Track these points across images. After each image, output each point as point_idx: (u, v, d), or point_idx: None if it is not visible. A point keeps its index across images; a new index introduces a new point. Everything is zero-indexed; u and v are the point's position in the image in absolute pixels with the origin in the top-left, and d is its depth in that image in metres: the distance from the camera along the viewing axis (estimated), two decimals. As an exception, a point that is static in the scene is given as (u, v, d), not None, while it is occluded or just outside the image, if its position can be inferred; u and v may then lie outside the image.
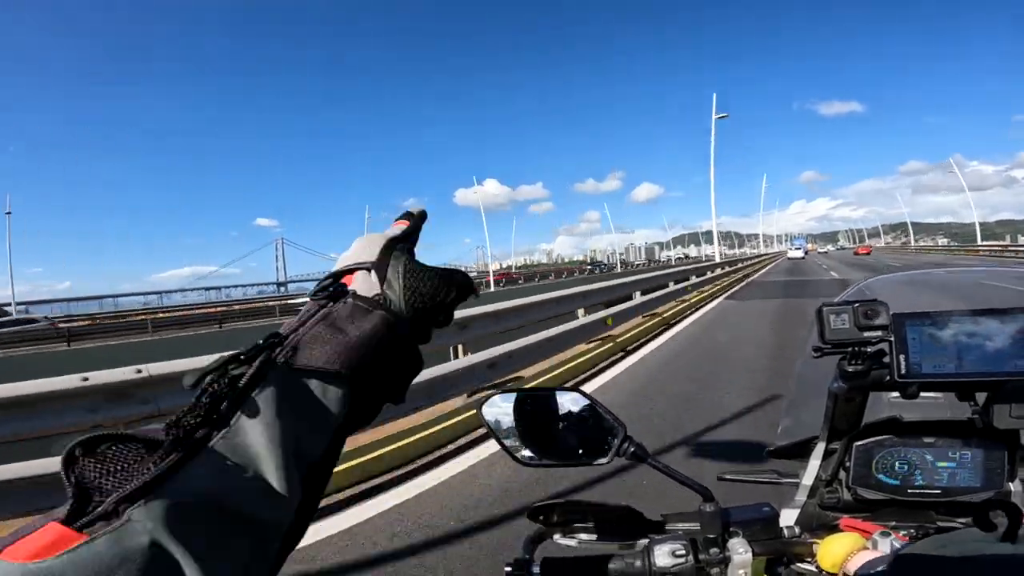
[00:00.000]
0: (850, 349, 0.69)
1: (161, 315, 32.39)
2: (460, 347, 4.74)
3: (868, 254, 61.96)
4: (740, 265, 27.53)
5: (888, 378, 0.68)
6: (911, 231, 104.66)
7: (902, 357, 0.66)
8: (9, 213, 51.86)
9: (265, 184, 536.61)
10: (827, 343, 0.69)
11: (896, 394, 0.71)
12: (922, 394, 0.69)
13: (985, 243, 69.07)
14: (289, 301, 36.27)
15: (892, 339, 0.67)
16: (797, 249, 63.90)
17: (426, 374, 3.96)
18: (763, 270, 29.94)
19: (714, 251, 39.22)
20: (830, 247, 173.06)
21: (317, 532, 2.62)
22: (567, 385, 0.44)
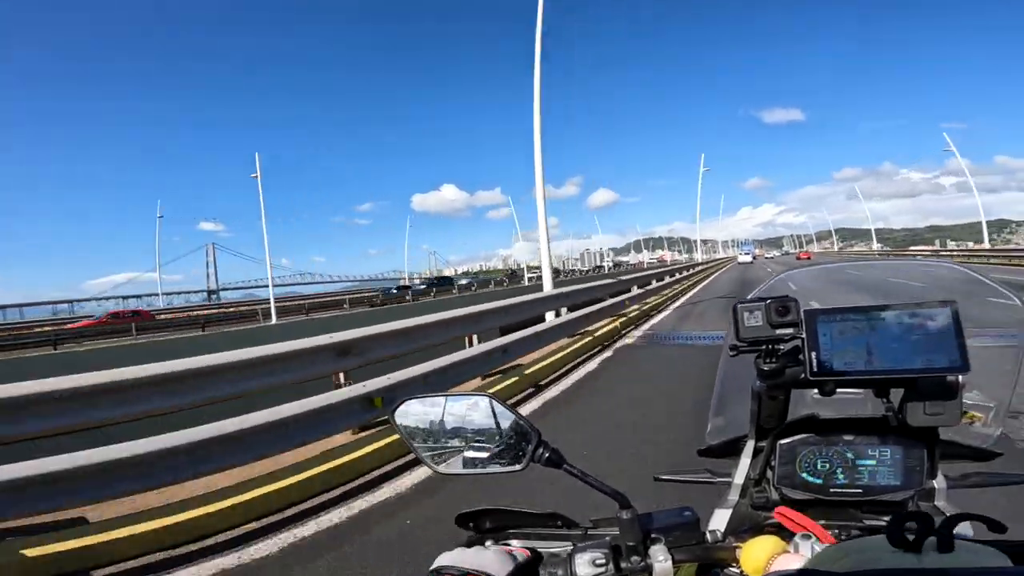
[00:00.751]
0: (764, 347, 0.69)
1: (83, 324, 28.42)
2: (475, 337, 5.51)
3: (809, 259, 65.66)
4: (637, 292, 12.73)
5: (803, 375, 0.67)
6: (874, 237, 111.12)
7: (813, 354, 0.65)
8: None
9: (214, 189, 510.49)
10: (742, 341, 0.69)
11: (817, 391, 0.71)
12: (840, 391, 0.69)
13: (916, 247, 73.99)
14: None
15: (804, 336, 0.66)
16: (746, 254, 66.80)
17: (450, 358, 4.70)
18: (694, 289, 19.48)
19: (543, 263, 11.68)
20: (775, 252, 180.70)
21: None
22: (477, 391, 0.61)
